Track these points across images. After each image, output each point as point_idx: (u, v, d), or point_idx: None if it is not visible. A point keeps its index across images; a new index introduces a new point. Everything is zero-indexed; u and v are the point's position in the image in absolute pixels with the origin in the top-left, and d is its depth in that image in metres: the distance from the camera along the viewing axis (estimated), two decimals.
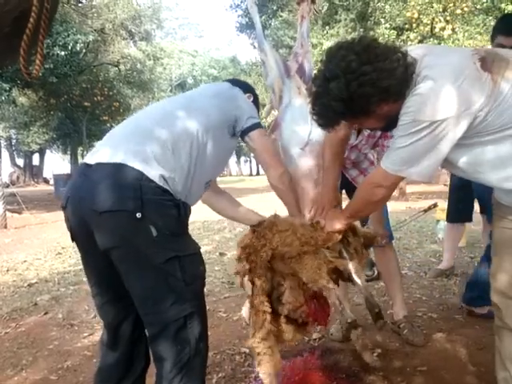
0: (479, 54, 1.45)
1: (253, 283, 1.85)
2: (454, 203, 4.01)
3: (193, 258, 1.57)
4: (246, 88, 2.13)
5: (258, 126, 1.77)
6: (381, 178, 1.57)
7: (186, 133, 1.60)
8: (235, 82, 2.00)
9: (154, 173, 1.48)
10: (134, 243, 1.48)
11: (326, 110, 1.46)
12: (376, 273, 3.75)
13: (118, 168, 1.48)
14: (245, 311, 2.09)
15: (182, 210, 1.53)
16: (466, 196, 3.87)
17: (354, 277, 1.89)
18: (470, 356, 2.41)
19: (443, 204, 4.42)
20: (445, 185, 4.29)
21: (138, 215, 1.43)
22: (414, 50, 1.47)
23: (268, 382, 1.83)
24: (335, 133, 1.75)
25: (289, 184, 1.84)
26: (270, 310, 1.86)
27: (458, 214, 4.00)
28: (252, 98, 2.10)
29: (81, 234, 1.58)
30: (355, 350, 2.51)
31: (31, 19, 1.51)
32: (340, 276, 1.89)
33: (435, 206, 4.91)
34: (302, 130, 1.99)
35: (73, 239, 1.64)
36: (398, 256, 4.75)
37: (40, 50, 1.60)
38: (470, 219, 4.08)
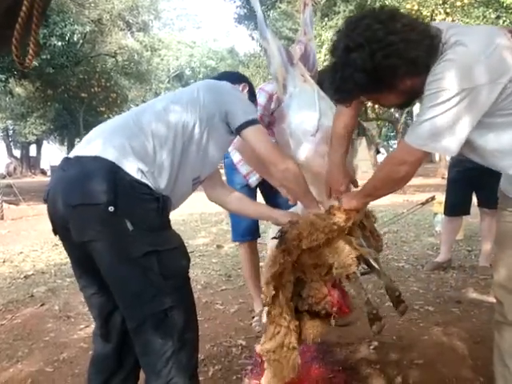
0: (505, 28, 1.41)
1: (276, 292, 1.80)
2: (451, 196, 4.01)
3: (173, 252, 1.53)
4: (239, 78, 2.09)
5: (253, 122, 1.68)
6: (405, 153, 1.47)
7: (171, 128, 1.57)
8: (225, 76, 1.97)
9: (130, 166, 1.46)
10: (108, 237, 1.46)
11: (346, 83, 1.35)
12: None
13: (93, 161, 1.47)
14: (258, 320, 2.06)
15: (161, 204, 1.49)
16: (464, 189, 3.88)
17: (372, 262, 1.87)
18: (466, 349, 2.42)
19: (441, 197, 4.42)
20: (443, 178, 4.28)
21: (111, 209, 1.40)
22: (437, 25, 1.40)
23: None
24: (344, 112, 1.68)
25: (293, 178, 1.75)
26: (286, 324, 1.82)
27: (456, 207, 4.00)
28: (248, 88, 2.07)
29: (60, 227, 1.56)
30: (351, 342, 2.53)
31: (24, 8, 1.47)
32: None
33: (433, 199, 4.90)
34: (310, 118, 1.93)
35: (55, 232, 1.63)
36: (395, 249, 4.79)
37: (33, 40, 1.57)
38: (467, 212, 4.08)
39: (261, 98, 2.46)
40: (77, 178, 1.47)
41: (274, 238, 1.81)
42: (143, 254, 1.45)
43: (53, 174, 1.65)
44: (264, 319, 2.07)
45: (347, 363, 2.32)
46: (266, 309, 1.93)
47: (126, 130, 1.56)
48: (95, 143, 1.54)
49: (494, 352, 1.69)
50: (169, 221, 1.58)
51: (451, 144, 1.36)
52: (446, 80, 1.29)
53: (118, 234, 1.45)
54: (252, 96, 2.06)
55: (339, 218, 1.73)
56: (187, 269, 1.60)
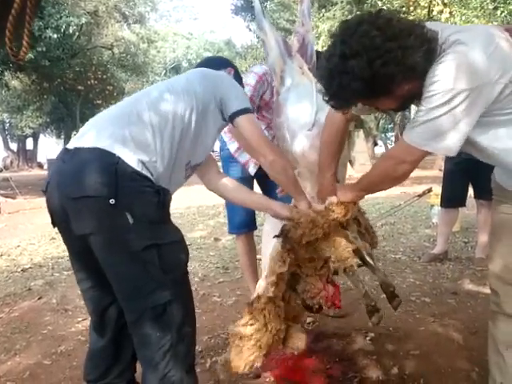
0: (501, 26, 1.40)
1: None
2: (448, 188, 4.02)
3: (173, 246, 1.53)
4: (224, 63, 2.08)
5: (246, 111, 1.68)
6: (405, 153, 1.46)
7: (169, 116, 1.56)
8: (210, 61, 1.95)
9: (131, 157, 1.45)
10: (109, 230, 1.45)
11: (344, 91, 1.34)
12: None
13: (94, 152, 1.45)
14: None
15: (161, 197, 1.49)
16: (460, 181, 3.88)
17: (367, 258, 1.87)
18: (462, 340, 2.43)
19: (438, 189, 4.42)
20: (440, 170, 4.28)
21: (112, 201, 1.39)
22: (431, 26, 1.37)
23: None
24: (338, 117, 1.67)
25: (281, 170, 1.77)
26: (263, 321, 1.78)
27: (452, 198, 4.01)
28: (233, 71, 2.06)
29: (59, 219, 1.56)
30: (348, 333, 2.54)
31: None
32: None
33: (430, 190, 4.91)
34: (307, 112, 1.92)
35: (54, 224, 1.62)
36: (392, 241, 4.80)
37: (27, 32, 1.56)
38: (463, 204, 4.09)
39: (250, 79, 2.46)
40: (77, 169, 1.45)
41: (277, 236, 1.81)
42: (143, 247, 1.45)
43: (52, 166, 1.63)
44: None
45: (344, 354, 2.33)
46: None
47: (125, 120, 1.54)
48: (94, 134, 1.52)
49: (489, 342, 1.70)
50: (169, 214, 1.58)
51: (452, 144, 1.36)
52: (448, 80, 1.28)
53: (118, 227, 1.44)
54: (238, 79, 2.03)
55: (338, 213, 1.74)
56: (186, 263, 1.60)
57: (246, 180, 2.71)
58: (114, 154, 1.43)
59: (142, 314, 1.50)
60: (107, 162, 1.43)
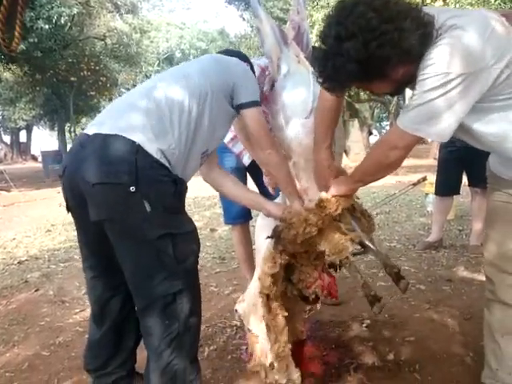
0: (497, 11, 1.39)
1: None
2: (442, 176, 4.04)
3: (186, 236, 1.55)
4: (244, 57, 2.08)
5: (256, 104, 1.71)
6: (397, 138, 1.44)
7: (185, 102, 1.56)
8: (229, 53, 1.96)
9: (150, 146, 1.45)
10: (125, 217, 1.46)
11: (338, 73, 1.32)
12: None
13: (115, 139, 1.45)
14: (241, 307, 2.10)
15: (178, 187, 1.51)
16: (455, 169, 3.90)
17: (367, 242, 1.87)
18: (457, 326, 2.46)
19: (432, 178, 4.44)
20: (434, 159, 4.29)
21: (132, 189, 1.40)
22: (427, 10, 1.36)
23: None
24: (328, 100, 1.65)
25: (275, 164, 1.80)
26: (286, 313, 1.85)
27: (447, 187, 4.03)
28: (249, 68, 2.06)
29: (75, 204, 1.57)
30: (344, 321, 2.57)
31: None
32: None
33: (424, 179, 4.92)
34: (304, 99, 1.91)
35: (68, 209, 1.63)
36: (387, 229, 4.83)
37: (19, 23, 1.55)
38: (458, 192, 4.11)
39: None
40: (98, 155, 1.45)
41: (269, 237, 1.81)
42: (158, 236, 1.46)
43: (70, 150, 1.63)
44: (240, 310, 2.11)
45: (340, 341, 2.36)
46: (244, 300, 1.97)
47: (143, 107, 1.54)
48: (114, 121, 1.53)
49: (484, 329, 1.72)
50: (184, 205, 1.59)
51: (444, 129, 1.35)
52: (443, 64, 1.27)
53: (135, 215, 1.45)
54: None
55: (330, 208, 1.73)
56: (198, 254, 1.61)
57: (240, 170, 2.71)
58: (135, 142, 1.44)
59: (152, 302, 1.52)
60: (128, 149, 1.43)
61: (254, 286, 2.03)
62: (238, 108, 1.71)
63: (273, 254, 1.79)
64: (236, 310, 2.17)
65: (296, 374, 1.88)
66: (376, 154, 1.59)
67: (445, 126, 1.34)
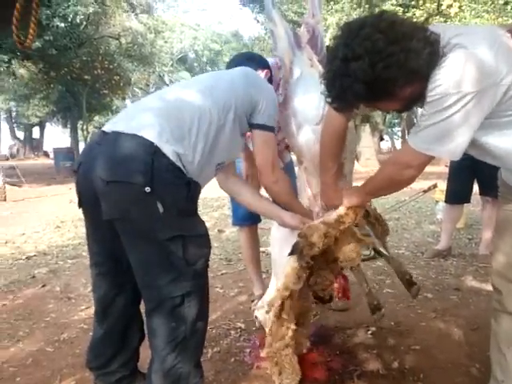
0: (503, 27, 1.39)
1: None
2: (453, 184, 4.00)
3: (198, 239, 1.54)
4: (264, 64, 2.10)
5: (270, 128, 1.74)
6: (410, 157, 1.46)
7: (207, 112, 1.57)
8: (251, 59, 1.97)
9: (168, 148, 1.45)
10: (138, 217, 1.46)
11: (345, 93, 1.34)
12: (372, 252, 3.76)
13: (132, 138, 1.46)
14: (261, 313, 2.09)
15: (192, 190, 1.51)
16: (466, 177, 3.86)
17: (381, 249, 1.87)
18: (463, 336, 2.43)
19: (443, 185, 4.41)
20: (445, 166, 4.26)
21: (147, 189, 1.40)
22: (432, 28, 1.37)
23: None
24: (337, 117, 1.66)
25: (278, 192, 1.86)
26: (295, 327, 1.83)
27: (457, 195, 4.00)
28: (269, 75, 2.08)
29: (88, 200, 1.57)
30: (349, 327, 2.55)
31: None
32: None
33: (435, 186, 4.90)
34: (315, 104, 1.89)
35: (80, 205, 1.63)
36: (395, 236, 4.80)
37: (34, 19, 1.56)
38: (468, 200, 4.08)
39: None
40: (115, 154, 1.45)
41: (290, 254, 1.80)
42: (170, 237, 1.46)
43: (86, 146, 1.64)
44: (260, 316, 2.09)
45: (345, 347, 2.34)
46: (265, 308, 1.95)
47: (165, 111, 1.55)
48: (134, 120, 1.53)
49: (491, 340, 1.70)
50: (197, 208, 1.59)
51: (456, 147, 1.36)
52: (450, 85, 1.28)
53: (148, 215, 1.45)
54: (270, 82, 2.08)
55: (349, 221, 1.74)
56: (208, 257, 1.60)
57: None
58: (152, 143, 1.44)
59: (161, 303, 1.51)
60: (145, 150, 1.43)
61: (273, 293, 2.02)
62: (253, 127, 1.73)
63: (295, 270, 1.78)
64: (256, 317, 2.16)
65: (288, 381, 1.86)
66: (389, 171, 1.60)
67: (456, 145, 1.35)
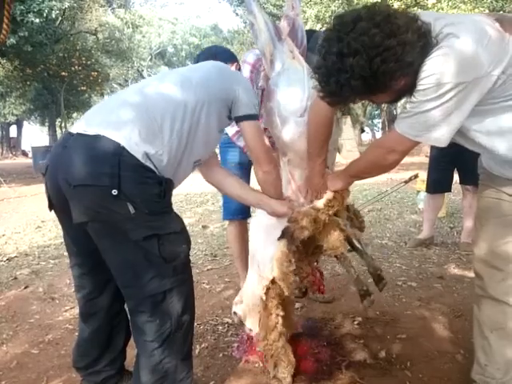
0: (491, 16, 1.39)
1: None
2: (434, 174, 4.05)
3: (174, 236, 1.52)
4: (232, 57, 2.09)
5: (252, 117, 1.72)
6: (395, 142, 1.48)
7: (179, 107, 1.54)
8: (219, 53, 1.95)
9: (136, 148, 1.42)
10: (108, 219, 1.44)
11: (342, 89, 1.32)
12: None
13: (98, 140, 1.42)
14: (239, 308, 2.09)
15: (163, 188, 1.48)
16: (446, 167, 3.91)
17: (355, 243, 1.90)
18: (448, 323, 2.47)
19: (424, 175, 4.45)
20: (426, 156, 4.30)
21: (114, 192, 1.38)
22: (423, 17, 1.36)
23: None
24: (322, 116, 1.68)
25: (271, 183, 1.85)
26: (282, 313, 1.84)
27: (438, 184, 4.05)
28: (238, 68, 2.07)
29: (57, 204, 1.55)
30: (336, 318, 2.57)
31: None
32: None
33: (416, 176, 4.95)
34: (298, 97, 1.88)
35: (50, 208, 1.61)
36: (378, 226, 4.84)
37: (7, 15, 1.52)
38: (449, 189, 4.13)
39: (245, 71, 2.43)
40: (80, 156, 1.42)
41: (281, 238, 1.81)
42: (144, 237, 1.44)
43: (53, 149, 1.60)
44: (239, 311, 2.10)
45: (332, 338, 2.35)
46: (241, 301, 1.96)
47: (133, 109, 1.51)
48: (99, 121, 1.49)
49: (474, 325, 1.73)
50: (170, 204, 1.56)
51: (443, 135, 1.38)
52: (442, 74, 1.28)
53: (119, 217, 1.43)
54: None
55: (337, 205, 1.79)
56: (188, 252, 1.59)
57: (244, 165, 2.70)
58: (119, 144, 1.41)
59: (142, 302, 1.50)
60: (111, 151, 1.40)
61: (251, 286, 2.02)
62: (238, 120, 1.72)
63: (286, 254, 1.79)
64: (234, 313, 2.15)
65: (283, 375, 1.87)
66: (373, 155, 1.62)
67: (443, 133, 1.37)
